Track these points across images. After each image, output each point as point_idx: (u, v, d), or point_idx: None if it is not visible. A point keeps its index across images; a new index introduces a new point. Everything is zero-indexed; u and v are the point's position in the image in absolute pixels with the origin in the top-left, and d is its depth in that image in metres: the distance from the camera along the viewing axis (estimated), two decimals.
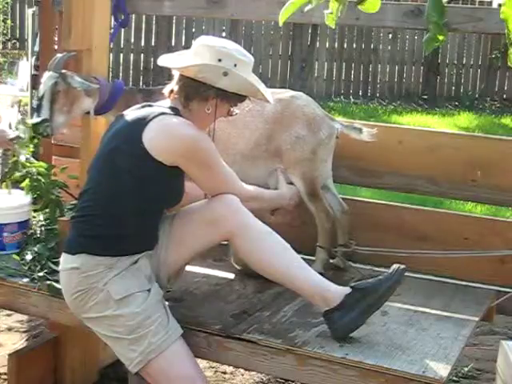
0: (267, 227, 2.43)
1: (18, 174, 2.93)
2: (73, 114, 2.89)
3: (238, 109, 2.50)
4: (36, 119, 2.77)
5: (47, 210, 3.18)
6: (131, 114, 2.46)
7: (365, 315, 2.34)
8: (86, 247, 2.38)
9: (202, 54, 2.37)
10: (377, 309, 2.37)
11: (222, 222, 2.41)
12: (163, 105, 2.46)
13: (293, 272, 2.40)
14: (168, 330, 2.34)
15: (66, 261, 2.43)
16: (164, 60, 2.45)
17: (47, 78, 2.81)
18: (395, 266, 2.40)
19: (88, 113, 2.90)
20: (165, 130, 2.36)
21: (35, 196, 2.99)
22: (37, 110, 2.77)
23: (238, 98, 2.43)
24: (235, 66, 2.36)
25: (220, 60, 2.34)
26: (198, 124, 2.42)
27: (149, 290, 2.38)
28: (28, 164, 2.95)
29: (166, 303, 2.43)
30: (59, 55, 2.86)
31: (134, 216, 2.39)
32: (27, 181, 2.94)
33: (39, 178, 2.93)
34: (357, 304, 2.32)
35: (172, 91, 2.46)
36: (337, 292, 2.37)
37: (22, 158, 3.05)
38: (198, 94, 2.39)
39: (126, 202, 2.38)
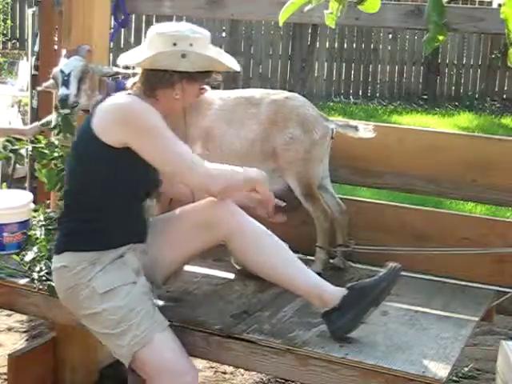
0: (264, 228, 2.42)
1: (47, 159, 2.92)
2: (91, 102, 2.85)
3: (236, 109, 2.49)
4: (64, 92, 2.74)
5: (46, 211, 3.19)
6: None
7: (363, 315, 2.35)
8: (69, 245, 2.41)
9: (156, 42, 2.36)
10: (375, 308, 2.37)
11: (218, 224, 2.41)
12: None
13: (291, 272, 2.40)
14: (153, 322, 2.33)
15: (54, 261, 2.46)
16: (122, 58, 2.46)
17: (73, 59, 2.80)
18: (391, 264, 2.39)
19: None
20: (105, 108, 2.37)
21: (55, 184, 2.95)
22: (64, 83, 2.74)
23: (204, 75, 2.43)
24: (191, 45, 2.35)
25: (175, 44, 2.33)
26: (169, 110, 2.43)
27: (134, 283, 2.38)
28: (60, 148, 2.94)
29: (153, 298, 2.42)
30: (83, 46, 2.86)
31: (108, 207, 2.40)
32: (51, 165, 2.92)
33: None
34: (355, 305, 2.32)
35: (135, 83, 2.46)
36: (334, 293, 2.37)
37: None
38: (162, 82, 2.38)
39: (94, 192, 2.40)
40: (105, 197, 2.39)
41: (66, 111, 2.78)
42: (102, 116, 2.36)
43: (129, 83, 2.49)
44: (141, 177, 2.43)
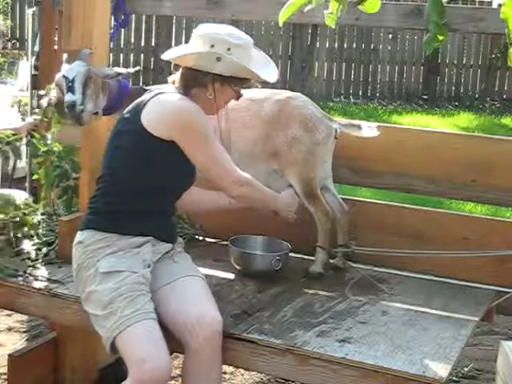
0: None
1: (40, 158, 2.94)
2: (96, 105, 2.80)
3: (239, 108, 2.51)
4: (70, 98, 2.66)
5: (46, 208, 3.19)
6: (135, 101, 2.53)
7: None
8: (91, 223, 2.47)
9: (197, 42, 2.46)
10: None
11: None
12: (166, 88, 2.54)
13: None
14: (135, 310, 2.31)
15: (76, 237, 2.51)
16: (166, 54, 2.53)
17: (76, 65, 2.74)
18: None
19: (96, 113, 2.87)
20: (159, 104, 2.45)
21: (52, 181, 2.96)
22: (70, 89, 2.67)
23: (239, 80, 2.49)
24: (228, 50, 2.43)
25: (212, 46, 2.42)
26: (204, 110, 2.48)
27: (136, 272, 2.39)
28: (53, 143, 2.95)
29: (148, 291, 2.40)
30: (84, 50, 2.83)
31: (137, 194, 2.45)
32: (47, 163, 2.93)
33: (61, 157, 2.94)
34: None
35: (174, 81, 2.55)
36: None
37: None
38: (196, 81, 2.46)
39: (127, 179, 2.46)
40: (137, 185, 2.45)
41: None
42: (158, 110, 2.43)
43: (170, 78, 2.57)
44: (177, 172, 2.49)
